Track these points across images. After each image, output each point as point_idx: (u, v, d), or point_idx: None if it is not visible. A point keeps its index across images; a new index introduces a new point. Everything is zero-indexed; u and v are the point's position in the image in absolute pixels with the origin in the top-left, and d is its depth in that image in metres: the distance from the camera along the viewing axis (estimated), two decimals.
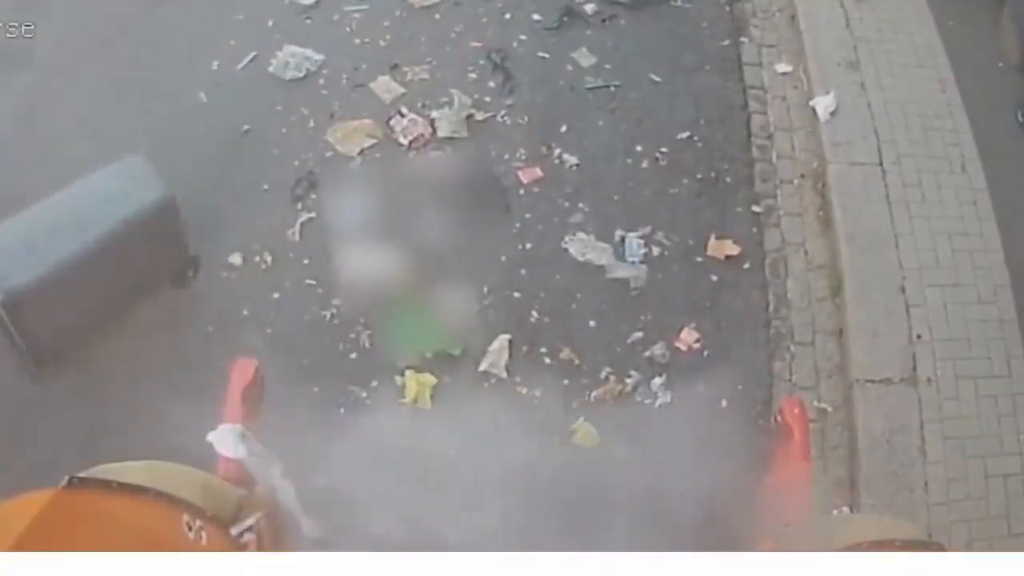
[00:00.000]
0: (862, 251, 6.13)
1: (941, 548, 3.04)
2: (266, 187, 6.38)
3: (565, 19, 7.38)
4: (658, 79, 7.10)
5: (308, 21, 7.26)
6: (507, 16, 7.38)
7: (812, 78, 7.02)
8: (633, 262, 6.16)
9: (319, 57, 7.02)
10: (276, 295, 5.93)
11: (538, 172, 6.55)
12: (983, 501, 5.23)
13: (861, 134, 6.65)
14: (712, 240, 6.30)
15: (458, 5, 7.41)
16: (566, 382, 5.66)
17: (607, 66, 7.14)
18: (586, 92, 7.00)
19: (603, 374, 5.74)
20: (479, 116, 6.80)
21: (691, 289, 6.10)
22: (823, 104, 6.80)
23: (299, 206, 6.30)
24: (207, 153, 6.46)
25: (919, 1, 7.35)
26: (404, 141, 6.64)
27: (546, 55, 7.19)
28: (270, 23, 7.22)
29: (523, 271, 6.11)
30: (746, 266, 6.24)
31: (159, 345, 5.65)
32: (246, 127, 6.63)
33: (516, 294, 6.02)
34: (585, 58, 7.18)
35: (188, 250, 5.82)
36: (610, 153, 6.69)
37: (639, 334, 5.88)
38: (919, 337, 5.76)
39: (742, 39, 7.41)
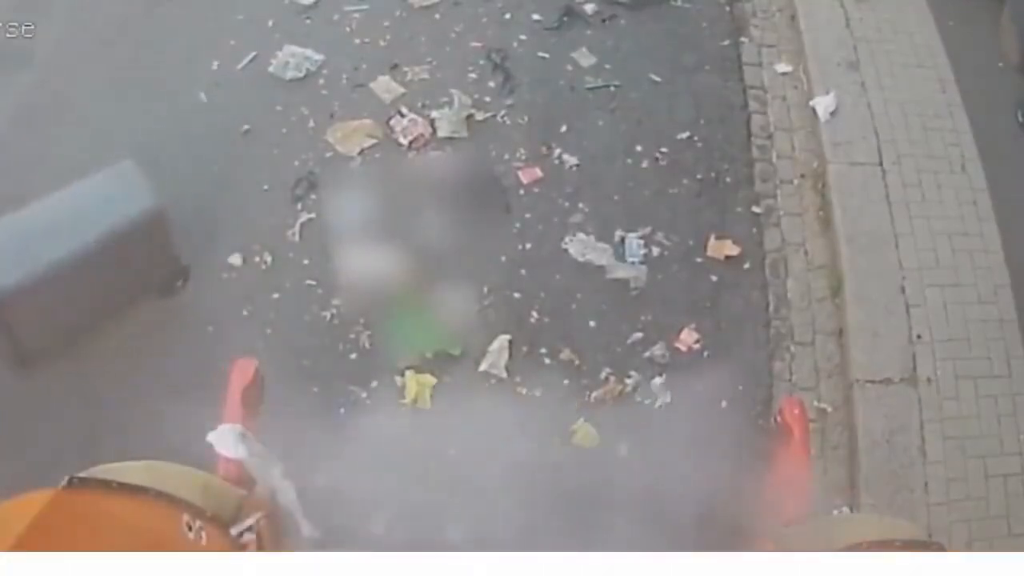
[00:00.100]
0: (862, 251, 6.13)
1: (941, 548, 3.04)
2: (266, 187, 6.38)
3: (565, 19, 7.38)
4: (658, 79, 7.10)
5: (308, 21, 7.27)
6: (507, 16, 7.38)
7: (812, 78, 7.03)
8: (633, 262, 6.16)
9: (319, 57, 7.02)
10: (276, 295, 5.93)
11: (538, 172, 6.55)
12: (983, 501, 5.23)
13: (861, 134, 6.65)
14: (712, 240, 6.30)
15: (458, 5, 7.41)
16: (566, 382, 5.65)
17: (607, 66, 7.14)
18: (586, 92, 7.00)
19: (603, 374, 5.74)
20: (479, 116, 6.80)
21: (691, 289, 6.10)
22: (823, 104, 6.80)
23: (299, 206, 6.30)
24: (207, 153, 6.46)
25: (919, 1, 7.35)
26: (404, 141, 6.64)
27: (546, 55, 7.19)
28: (270, 23, 7.22)
29: (523, 271, 6.11)
30: (746, 266, 6.24)
31: (159, 345, 5.64)
32: (246, 127, 6.63)
33: (516, 294, 6.02)
34: (585, 58, 7.18)
35: (178, 259, 5.78)
36: (610, 153, 6.69)
37: (639, 334, 5.88)
38: (919, 337, 5.76)
39: (742, 39, 7.41)
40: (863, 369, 5.68)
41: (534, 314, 5.95)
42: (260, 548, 3.13)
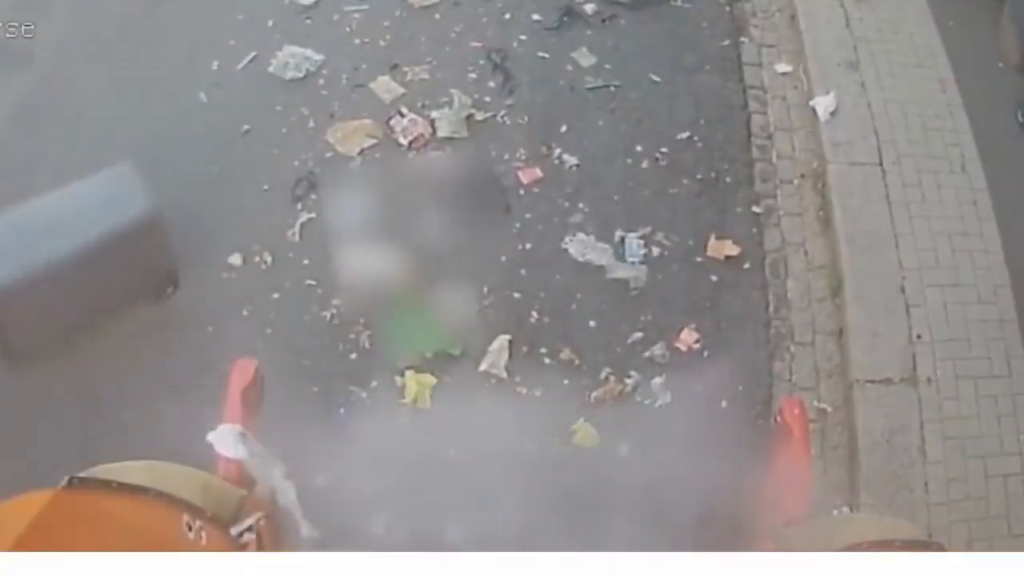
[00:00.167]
0: (862, 251, 6.13)
1: (941, 548, 3.04)
2: (266, 187, 6.38)
3: (565, 19, 7.38)
4: (658, 79, 7.10)
5: (308, 21, 7.27)
6: (507, 16, 7.38)
7: (812, 78, 7.03)
8: (633, 262, 6.16)
9: (319, 57, 7.02)
10: (276, 295, 5.93)
11: (538, 172, 6.55)
12: (983, 501, 5.23)
13: (861, 134, 6.65)
14: (712, 240, 6.29)
15: (458, 5, 7.41)
16: (566, 382, 5.65)
17: (607, 66, 7.14)
18: (586, 92, 7.00)
19: (603, 374, 5.74)
20: (479, 116, 6.80)
21: (691, 289, 6.10)
22: (823, 104, 6.80)
23: (299, 206, 6.30)
24: (207, 153, 6.46)
25: (919, 1, 7.35)
26: (404, 141, 6.64)
27: (546, 55, 7.19)
28: (270, 23, 7.22)
29: (523, 271, 6.11)
30: (746, 266, 6.24)
31: (159, 345, 5.64)
32: (246, 127, 6.63)
33: (516, 294, 6.02)
34: (585, 58, 7.18)
35: (171, 265, 5.76)
36: (610, 153, 6.69)
37: (639, 334, 5.88)
38: (919, 337, 5.76)
39: (742, 39, 7.41)
40: (863, 369, 5.68)
41: (534, 314, 5.95)
42: (260, 548, 3.13)
